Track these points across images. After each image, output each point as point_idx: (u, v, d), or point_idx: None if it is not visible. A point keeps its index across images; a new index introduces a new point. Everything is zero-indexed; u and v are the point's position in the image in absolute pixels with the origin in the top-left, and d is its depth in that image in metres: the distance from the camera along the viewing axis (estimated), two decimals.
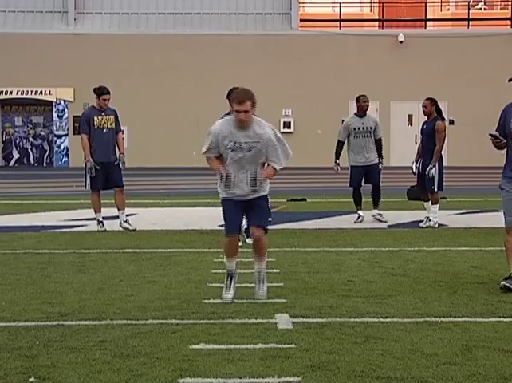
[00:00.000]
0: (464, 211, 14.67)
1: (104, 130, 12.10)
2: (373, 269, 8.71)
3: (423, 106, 12.33)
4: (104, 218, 12.25)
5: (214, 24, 31.08)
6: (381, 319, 6.33)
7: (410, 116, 30.66)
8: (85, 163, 12.10)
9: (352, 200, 13.19)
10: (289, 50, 30.15)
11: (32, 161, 31.95)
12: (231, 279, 7.15)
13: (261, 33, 30.68)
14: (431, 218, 12.31)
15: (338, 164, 13.23)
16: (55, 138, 31.20)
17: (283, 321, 6.27)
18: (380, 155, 13.29)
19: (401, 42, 30.43)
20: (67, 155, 31.01)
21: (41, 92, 30.48)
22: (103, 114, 12.10)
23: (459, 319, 6.34)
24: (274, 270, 8.59)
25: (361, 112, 13.17)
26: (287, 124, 29.14)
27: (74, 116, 30.68)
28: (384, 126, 30.20)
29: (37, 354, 5.39)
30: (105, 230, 11.99)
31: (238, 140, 6.97)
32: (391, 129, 30.55)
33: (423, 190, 12.38)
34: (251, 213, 7.18)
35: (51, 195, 18.77)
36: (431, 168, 12.05)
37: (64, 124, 30.92)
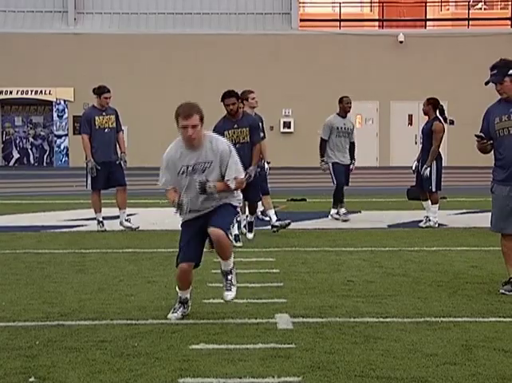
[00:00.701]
0: (464, 210, 14.67)
1: (106, 130, 12.11)
2: (373, 269, 8.70)
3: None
4: (104, 218, 12.24)
5: (214, 24, 31.08)
6: (381, 319, 6.33)
7: (410, 116, 30.66)
8: (86, 164, 12.09)
9: (334, 199, 13.18)
10: (289, 50, 30.15)
11: (32, 161, 31.96)
12: (182, 306, 6.44)
13: (261, 33, 30.68)
14: (430, 218, 12.31)
15: (326, 163, 13.29)
16: (55, 138, 31.21)
17: (283, 321, 6.27)
18: (352, 157, 13.37)
19: (401, 42, 30.44)
20: (67, 155, 31.02)
21: (41, 92, 30.49)
22: (104, 114, 12.10)
23: (459, 319, 6.34)
24: (274, 270, 8.59)
25: (343, 113, 13.37)
26: (287, 124, 29.14)
27: (74, 116, 30.69)
28: (384, 126, 30.45)
29: (37, 354, 5.39)
30: (105, 230, 11.99)
31: (189, 162, 6.33)
32: (391, 129, 30.56)
33: (421, 189, 12.40)
34: (212, 215, 6.41)
35: (51, 195, 18.77)
36: (426, 168, 12.09)
37: (64, 123, 30.92)
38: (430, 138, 12.16)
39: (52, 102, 30.78)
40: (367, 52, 30.18)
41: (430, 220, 12.30)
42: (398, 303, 6.91)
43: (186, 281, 6.42)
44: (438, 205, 12.45)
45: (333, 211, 13.33)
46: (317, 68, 30.03)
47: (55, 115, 30.95)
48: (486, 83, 7.73)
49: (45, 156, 31.96)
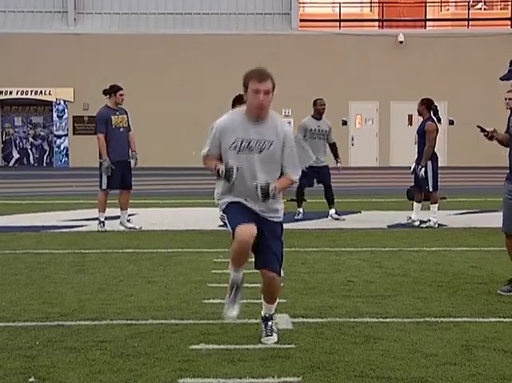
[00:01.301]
0: (464, 211, 14.68)
1: (121, 129, 12.22)
2: (373, 269, 8.70)
3: None
4: (105, 218, 12.24)
5: (214, 24, 31.08)
6: (381, 319, 6.33)
7: (410, 116, 30.64)
8: (101, 163, 12.06)
9: (324, 200, 13.23)
10: (289, 50, 30.15)
11: (32, 161, 31.94)
12: (236, 291, 5.65)
13: (261, 33, 30.67)
14: (430, 218, 12.34)
15: None
16: (55, 138, 31.20)
17: (283, 321, 6.27)
18: (336, 156, 13.42)
19: (401, 42, 30.43)
20: (67, 155, 31.01)
21: (41, 92, 30.48)
22: (118, 113, 12.17)
23: (459, 319, 6.34)
24: None
25: (318, 115, 13.46)
26: None
27: (74, 117, 30.69)
28: (383, 126, 30.43)
29: (37, 354, 5.39)
30: (105, 231, 11.99)
31: (246, 136, 5.43)
32: (391, 129, 30.55)
33: (418, 190, 12.46)
34: (260, 249, 5.61)
35: (51, 195, 18.77)
36: (421, 168, 12.16)
37: (63, 124, 30.91)
38: (423, 138, 12.25)
39: (52, 102, 30.76)
40: (367, 52, 30.18)
41: (412, 219, 12.38)
42: (398, 303, 6.91)
43: (246, 254, 5.48)
44: (437, 205, 12.45)
45: (332, 211, 13.38)
46: (316, 68, 30.03)
47: (55, 115, 30.94)
48: (502, 79, 7.75)
49: (45, 157, 31.95)
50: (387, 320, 6.31)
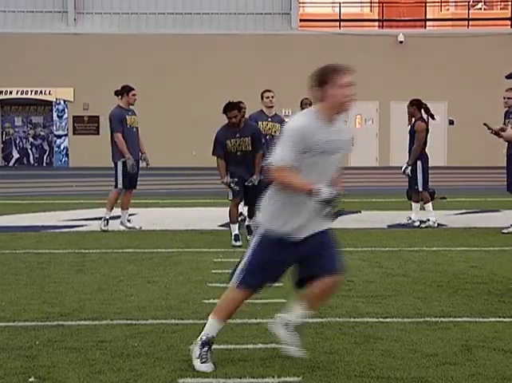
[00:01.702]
0: (464, 211, 14.67)
1: (134, 129, 12.25)
2: (373, 269, 8.70)
3: None
4: (100, 218, 12.25)
5: (214, 24, 31.08)
6: (381, 319, 6.32)
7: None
8: (123, 162, 12.03)
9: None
10: (288, 50, 30.15)
11: (32, 161, 31.95)
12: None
13: (261, 33, 30.68)
14: (429, 217, 12.35)
15: None
16: (55, 138, 31.20)
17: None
18: None
19: (401, 42, 30.44)
20: (67, 155, 31.01)
21: (41, 92, 30.48)
22: (130, 113, 12.21)
23: (459, 319, 6.33)
24: None
25: None
26: None
27: (74, 116, 30.70)
28: (383, 126, 30.43)
29: (37, 354, 5.39)
30: (107, 230, 11.98)
31: (327, 137, 4.97)
32: (391, 129, 30.54)
33: (412, 190, 12.54)
34: (319, 254, 5.13)
35: (51, 195, 18.77)
36: (407, 167, 12.23)
37: (64, 124, 30.91)
38: (414, 138, 12.41)
39: (52, 102, 30.77)
40: (367, 52, 30.18)
41: (411, 220, 12.40)
42: (398, 303, 6.91)
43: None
44: (431, 204, 12.46)
45: None
46: (316, 68, 30.01)
47: (55, 115, 30.94)
48: (508, 77, 7.76)
49: (45, 156, 31.96)
50: (387, 320, 6.31)
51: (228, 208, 10.70)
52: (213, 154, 10.57)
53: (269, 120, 11.81)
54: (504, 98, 11.91)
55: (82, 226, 12.77)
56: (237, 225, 10.56)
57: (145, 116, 30.00)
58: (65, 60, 30.02)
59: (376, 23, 32.51)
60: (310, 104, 13.56)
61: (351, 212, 13.62)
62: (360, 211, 14.42)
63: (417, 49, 30.16)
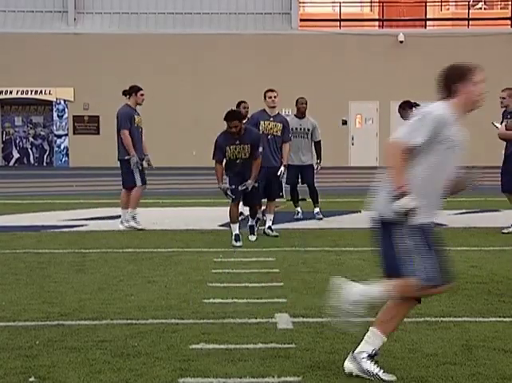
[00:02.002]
0: (464, 210, 14.66)
1: (140, 129, 12.32)
2: (373, 269, 8.70)
3: None
4: (104, 217, 12.26)
5: (214, 24, 31.08)
6: None
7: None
8: (129, 160, 12.05)
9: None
10: (288, 50, 30.16)
11: (32, 161, 31.96)
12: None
13: (261, 33, 30.68)
14: None
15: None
16: (55, 138, 31.21)
17: (283, 320, 6.26)
18: (318, 157, 13.47)
19: (401, 42, 30.44)
20: (67, 154, 31.02)
21: (41, 91, 30.49)
22: (137, 113, 12.29)
23: (459, 319, 6.33)
24: (274, 270, 8.59)
25: (300, 114, 13.51)
26: None
27: (74, 116, 30.71)
28: (384, 126, 30.42)
29: (37, 354, 5.39)
30: (143, 229, 11.97)
31: (458, 134, 5.02)
32: (391, 129, 30.51)
33: None
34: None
35: (51, 194, 18.77)
36: None
37: (64, 123, 30.92)
38: None
39: (52, 102, 30.78)
40: (367, 52, 30.19)
41: None
42: None
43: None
44: None
45: (316, 209, 13.43)
46: (316, 68, 30.04)
47: (55, 115, 30.95)
48: None
49: (45, 156, 31.97)
50: None
51: (228, 208, 10.71)
52: (213, 158, 10.62)
53: (271, 119, 11.82)
54: (500, 98, 11.93)
55: (82, 226, 12.77)
56: (237, 225, 10.58)
57: (145, 115, 30.01)
58: (65, 60, 30.04)
59: (376, 23, 32.52)
60: (306, 104, 13.62)
61: (351, 212, 13.61)
62: (360, 211, 14.41)
63: (417, 48, 30.17)
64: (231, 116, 10.44)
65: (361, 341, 4.97)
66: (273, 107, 11.86)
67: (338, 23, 31.40)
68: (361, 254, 9.73)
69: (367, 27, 32.23)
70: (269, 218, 11.58)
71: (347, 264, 9.00)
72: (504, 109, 11.86)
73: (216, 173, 10.59)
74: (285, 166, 11.92)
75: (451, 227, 12.42)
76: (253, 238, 10.95)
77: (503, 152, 11.82)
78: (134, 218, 12.15)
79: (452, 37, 30.31)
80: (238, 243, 10.34)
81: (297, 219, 13.25)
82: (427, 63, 29.93)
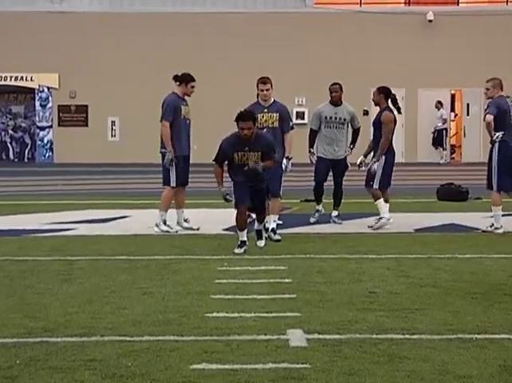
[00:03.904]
0: (502, 212, 14.62)
1: (187, 121, 12.37)
2: (398, 279, 8.70)
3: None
4: (93, 220, 12.28)
5: (218, 1, 31.09)
6: (407, 336, 6.33)
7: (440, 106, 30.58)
8: (163, 155, 12.13)
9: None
10: (302, 31, 30.15)
11: (11, 156, 32.04)
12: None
13: (272, 12, 30.68)
14: (381, 215, 12.45)
15: (313, 153, 13.56)
16: (37, 130, 31.28)
17: (296, 337, 6.27)
18: (353, 142, 13.54)
19: (430, 21, 30.41)
20: (51, 149, 31.08)
21: (22, 78, 30.56)
22: (185, 104, 12.35)
23: (496, 336, 6.33)
24: (286, 280, 8.60)
25: (334, 102, 13.52)
26: (300, 115, 29.13)
27: (59, 106, 30.76)
28: (410, 116, 30.38)
29: (18, 375, 5.40)
30: (176, 231, 12.06)
31: None
32: (419, 120, 30.53)
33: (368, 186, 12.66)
34: None
35: (33, 194, 18.82)
36: (374, 162, 12.44)
37: (47, 114, 30.99)
38: (379, 129, 12.53)
39: (34, 90, 30.84)
40: (391, 33, 30.15)
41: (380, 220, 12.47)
42: (427, 318, 6.91)
43: None
44: (382, 200, 12.49)
45: (334, 213, 13.41)
46: (334, 51, 30.03)
47: (37, 104, 31.02)
48: None
49: (27, 151, 32.05)
50: (415, 337, 6.31)
51: (235, 213, 10.70)
52: (214, 160, 10.64)
53: (266, 111, 11.83)
54: (484, 89, 12.33)
55: (69, 229, 12.80)
56: (244, 232, 10.59)
57: (139, 105, 30.15)
58: (50, 42, 30.08)
59: (402, 0, 32.49)
60: (340, 90, 13.55)
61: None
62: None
63: (449, 28, 30.12)
64: (246, 116, 10.40)
65: None
66: (264, 100, 11.86)
67: (358, 0, 31.38)
68: (384, 261, 9.74)
69: (391, 4, 32.20)
70: (272, 219, 11.58)
71: (368, 273, 9.00)
72: (490, 100, 12.28)
73: (216, 176, 10.64)
74: (287, 158, 11.91)
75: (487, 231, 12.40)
76: (261, 243, 10.96)
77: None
78: (165, 221, 12.20)
79: (489, 15, 30.24)
80: (240, 251, 10.34)
81: (312, 223, 13.23)
82: (459, 45, 29.92)
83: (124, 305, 7.47)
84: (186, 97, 12.36)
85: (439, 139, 29.86)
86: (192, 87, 12.35)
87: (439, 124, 29.70)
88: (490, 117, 12.02)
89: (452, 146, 31.90)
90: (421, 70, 29.78)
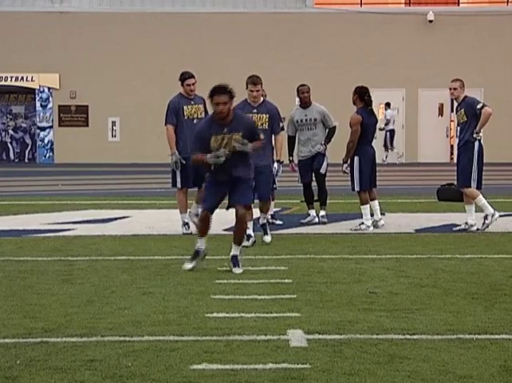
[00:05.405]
0: (502, 213, 14.62)
1: (194, 121, 12.05)
2: (399, 279, 8.70)
3: None
4: (93, 221, 12.28)
5: (218, 1, 31.09)
6: (408, 336, 6.33)
7: (440, 106, 30.60)
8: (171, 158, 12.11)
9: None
10: (302, 31, 30.15)
11: (12, 157, 32.06)
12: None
13: (272, 12, 30.68)
14: (363, 221, 12.40)
15: (292, 161, 13.62)
16: (38, 130, 31.29)
17: (296, 337, 6.27)
18: (326, 139, 13.46)
19: (431, 21, 30.42)
20: (51, 149, 31.09)
21: (22, 78, 30.56)
22: (192, 103, 12.15)
23: (497, 336, 6.33)
24: (286, 280, 8.60)
25: (303, 104, 13.47)
26: None
27: (60, 106, 30.76)
28: (411, 117, 30.40)
29: (18, 375, 5.40)
30: (191, 233, 11.89)
31: None
32: (419, 121, 30.53)
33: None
34: None
35: (33, 195, 18.81)
36: (343, 164, 12.52)
37: (48, 114, 31.00)
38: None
39: (34, 90, 30.85)
40: (391, 33, 30.17)
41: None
42: (427, 318, 6.91)
43: None
44: (368, 206, 12.47)
45: (322, 212, 13.41)
46: (334, 51, 30.03)
47: (38, 104, 31.03)
48: None
49: (27, 151, 32.06)
50: (415, 337, 6.31)
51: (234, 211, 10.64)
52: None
53: (255, 111, 11.38)
54: (450, 89, 12.36)
55: (69, 230, 12.80)
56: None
57: (139, 104, 30.15)
58: (50, 42, 30.10)
59: (403, 0, 32.49)
60: (308, 91, 13.48)
61: (372, 214, 13.59)
62: (383, 213, 14.40)
63: (449, 29, 30.12)
64: (221, 89, 9.19)
65: None
66: (255, 101, 11.53)
67: (359, 0, 31.38)
68: (384, 262, 9.74)
69: (391, 4, 32.21)
70: (262, 217, 11.51)
71: (368, 273, 9.00)
72: (456, 100, 12.42)
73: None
74: (278, 161, 11.73)
75: (488, 231, 12.40)
76: (268, 238, 10.91)
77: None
78: (185, 224, 12.16)
79: (489, 15, 30.25)
80: (187, 265, 9.26)
81: (312, 223, 13.23)
82: (459, 45, 29.93)
83: (124, 305, 7.47)
84: (192, 95, 12.14)
85: (390, 140, 29.65)
86: (188, 85, 12.11)
87: (383, 125, 29.31)
88: (490, 109, 12.02)
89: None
90: (421, 70, 29.79)
